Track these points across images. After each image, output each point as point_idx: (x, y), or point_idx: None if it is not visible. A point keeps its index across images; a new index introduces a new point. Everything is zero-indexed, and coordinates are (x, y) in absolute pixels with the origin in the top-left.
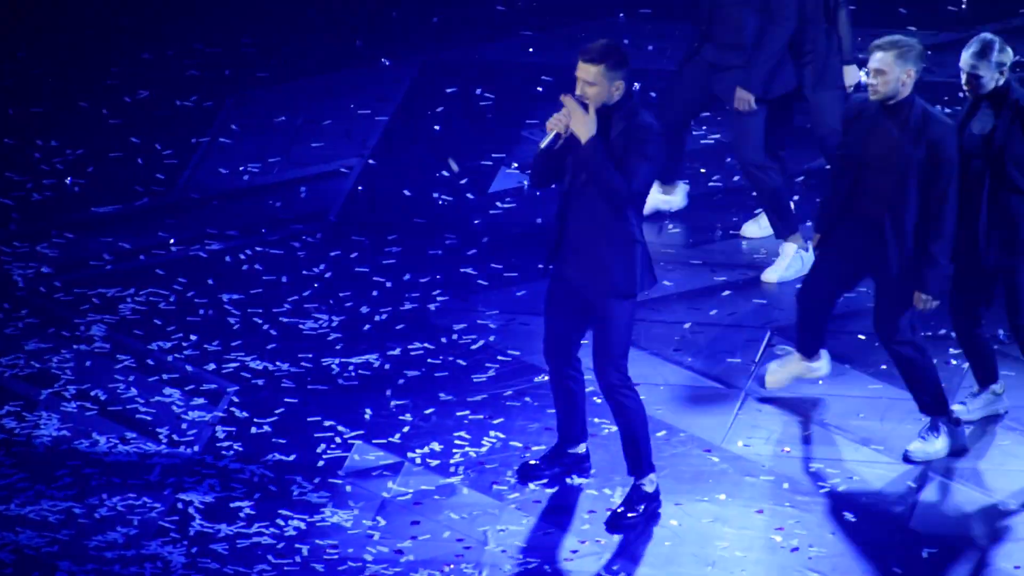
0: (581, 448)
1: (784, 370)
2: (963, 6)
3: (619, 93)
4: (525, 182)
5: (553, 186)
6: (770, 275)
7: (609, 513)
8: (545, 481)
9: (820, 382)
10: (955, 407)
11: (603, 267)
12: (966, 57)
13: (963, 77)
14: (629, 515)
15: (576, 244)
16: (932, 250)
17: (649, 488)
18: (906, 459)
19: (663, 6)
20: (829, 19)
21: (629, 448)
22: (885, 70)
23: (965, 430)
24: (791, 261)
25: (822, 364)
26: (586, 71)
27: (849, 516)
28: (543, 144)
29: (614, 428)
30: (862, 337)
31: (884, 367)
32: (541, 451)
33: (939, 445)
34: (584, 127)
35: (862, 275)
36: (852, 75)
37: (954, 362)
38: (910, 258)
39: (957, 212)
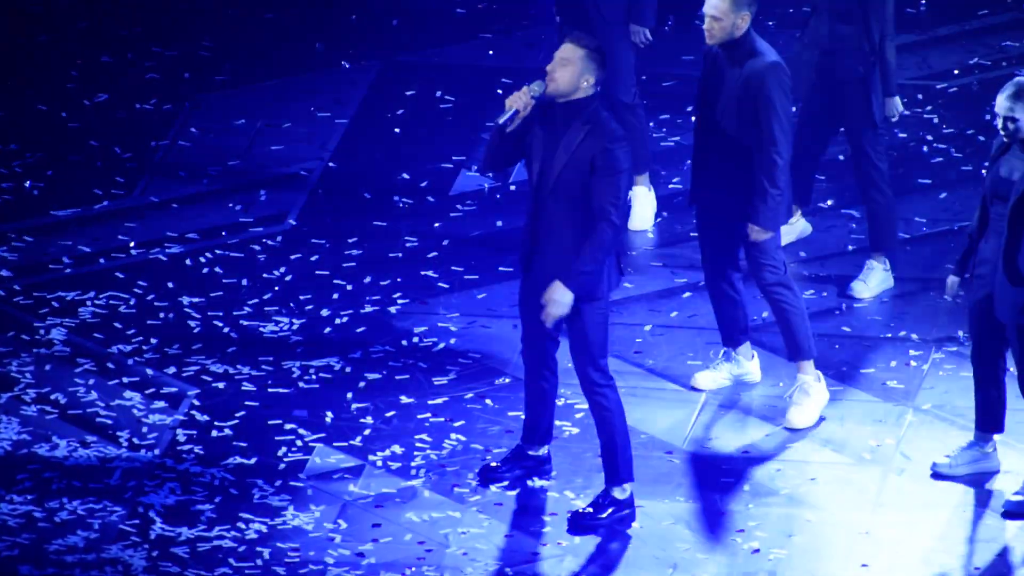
0: (543, 450)
1: (719, 370)
2: (922, 8)
3: (585, 89)
4: (486, 184)
5: (503, 170)
6: (862, 290)
7: (571, 513)
8: (506, 483)
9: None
10: (937, 459)
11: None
12: (1002, 101)
13: (999, 121)
14: (596, 517)
15: (545, 246)
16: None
17: (620, 495)
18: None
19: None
20: (874, 51)
21: (607, 453)
22: (720, 16)
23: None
24: (880, 275)
25: (751, 362)
26: (565, 49)
27: (810, 518)
28: (500, 120)
29: (575, 431)
30: (822, 339)
31: (844, 369)
32: (502, 454)
33: (812, 404)
34: (561, 307)
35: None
36: (894, 107)
37: (914, 363)
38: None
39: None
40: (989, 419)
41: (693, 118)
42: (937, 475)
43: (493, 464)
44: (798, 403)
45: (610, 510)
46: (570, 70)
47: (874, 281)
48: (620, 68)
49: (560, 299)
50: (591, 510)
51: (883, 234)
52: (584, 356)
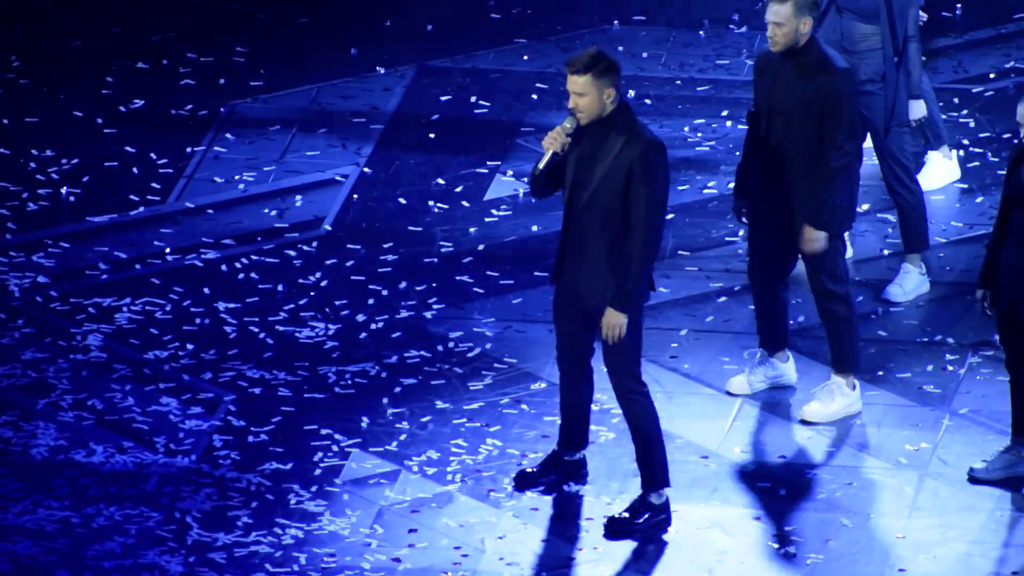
0: (579, 455)
1: (754, 373)
2: (957, 12)
3: (612, 102)
4: (520, 190)
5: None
6: (898, 294)
7: (607, 518)
8: (542, 488)
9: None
10: (975, 464)
11: (605, 280)
12: (1022, 109)
13: (1023, 131)
14: (633, 522)
15: (578, 258)
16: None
17: (656, 500)
18: (802, 421)
19: (657, 12)
20: (898, 52)
21: (642, 459)
22: (782, 22)
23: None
24: (916, 278)
25: (788, 365)
26: (574, 82)
27: (846, 522)
28: (541, 164)
29: (611, 435)
30: (859, 344)
31: (881, 373)
32: (538, 458)
33: (835, 406)
34: (618, 329)
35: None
36: (918, 110)
37: (950, 368)
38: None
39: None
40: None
41: (748, 122)
42: (973, 479)
43: (529, 469)
44: (820, 399)
45: (647, 515)
46: (589, 98)
47: (910, 284)
48: (901, 154)
49: (616, 323)
50: (628, 515)
51: (914, 233)
52: (618, 364)
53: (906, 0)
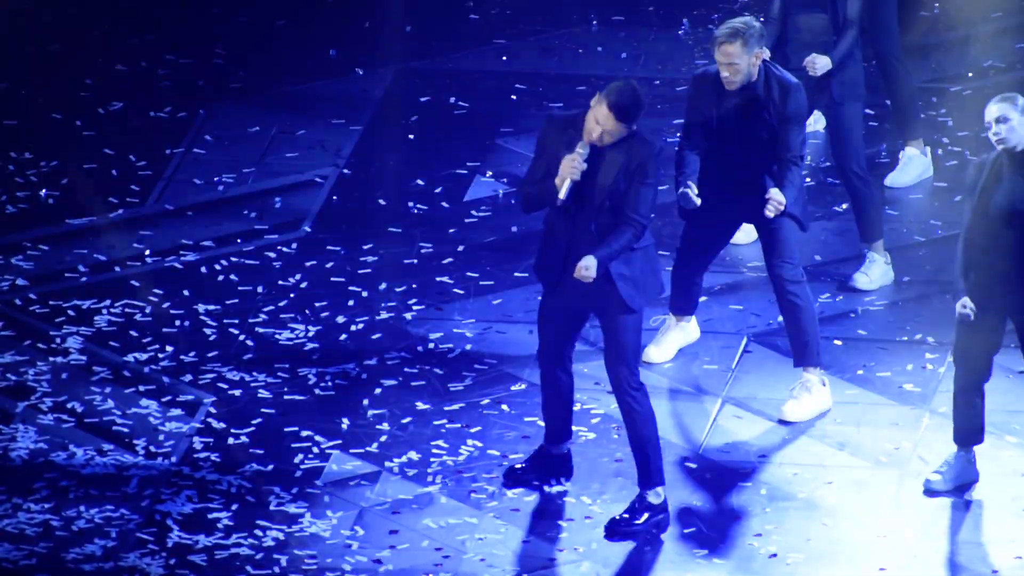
0: (564, 448)
1: (666, 341)
2: (935, 11)
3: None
4: (500, 191)
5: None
6: (864, 282)
7: (608, 521)
8: (531, 484)
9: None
10: (930, 476)
11: (609, 284)
12: (992, 106)
13: (992, 128)
14: (633, 523)
15: (579, 258)
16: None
17: (655, 500)
18: (781, 420)
19: (636, 13)
20: (861, 29)
21: (640, 456)
22: (736, 61)
23: (975, 459)
24: (882, 267)
25: (693, 326)
26: (611, 124)
27: (827, 522)
28: (562, 195)
29: (591, 436)
30: (838, 343)
31: (860, 372)
32: (519, 459)
33: (812, 404)
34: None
35: (736, 227)
36: (822, 64)
37: (930, 366)
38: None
39: None
40: (973, 435)
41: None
42: (932, 492)
43: (517, 466)
44: (797, 397)
45: (646, 515)
46: (610, 134)
47: (876, 272)
48: (852, 139)
49: (589, 264)
50: (627, 516)
51: (873, 222)
52: (619, 361)
53: None
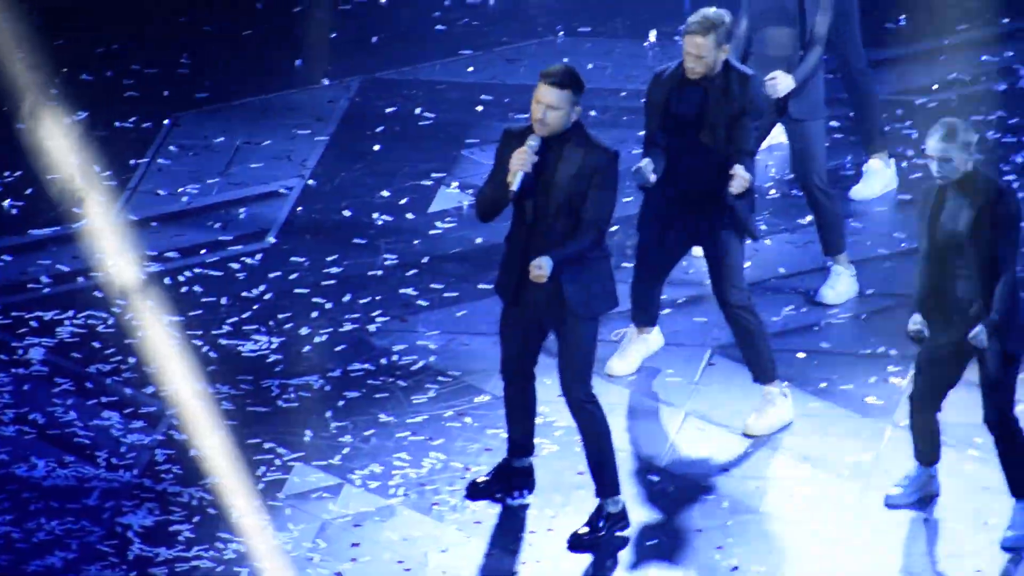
0: (527, 461)
1: (628, 354)
2: (901, 23)
3: (574, 118)
4: (465, 202)
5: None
6: (831, 296)
7: (570, 535)
8: (495, 497)
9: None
10: (891, 490)
11: (566, 293)
12: (934, 143)
13: (933, 165)
14: (595, 535)
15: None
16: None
17: (613, 509)
18: (745, 434)
19: (603, 24)
20: (804, 47)
21: (595, 467)
22: (704, 55)
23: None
24: (847, 280)
25: (655, 336)
26: (549, 94)
27: (789, 534)
28: (514, 187)
29: (554, 448)
30: (801, 355)
31: (823, 385)
32: (481, 471)
33: (774, 417)
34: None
35: (692, 243)
36: (785, 83)
37: (892, 379)
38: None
39: None
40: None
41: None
42: (892, 506)
43: (480, 479)
44: (759, 411)
45: (607, 525)
46: (560, 112)
47: (842, 286)
48: (812, 155)
49: (543, 264)
50: (587, 529)
51: (836, 235)
52: (572, 374)
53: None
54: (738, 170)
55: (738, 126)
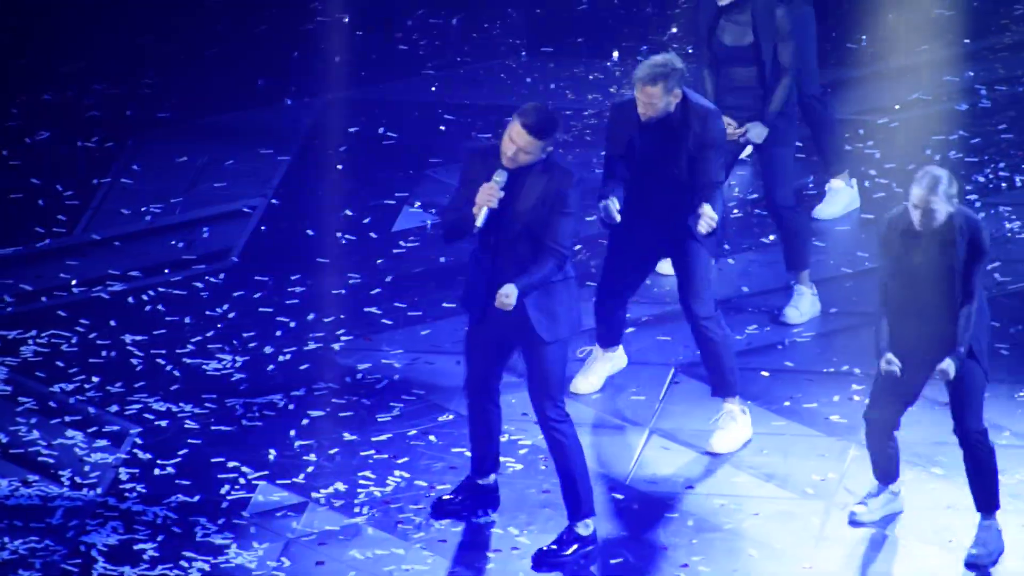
0: (491, 479)
1: (592, 372)
2: (863, 43)
3: (544, 156)
4: (428, 221)
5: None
6: (795, 316)
7: (535, 552)
8: (460, 515)
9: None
10: (855, 508)
11: (531, 320)
12: (919, 192)
13: (916, 214)
14: (561, 554)
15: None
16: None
17: (584, 531)
18: (709, 452)
19: (565, 44)
20: (765, 84)
21: (568, 487)
22: (655, 102)
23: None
24: (810, 299)
25: (619, 354)
26: (524, 139)
27: (753, 552)
28: (479, 222)
29: (519, 467)
30: (765, 374)
31: (787, 404)
32: (446, 489)
33: (737, 434)
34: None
35: (657, 259)
36: (757, 133)
37: (856, 397)
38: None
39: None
40: (891, 473)
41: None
42: (856, 523)
43: (445, 497)
44: (723, 428)
45: (575, 547)
46: (531, 156)
47: (805, 306)
48: (781, 177)
49: (510, 292)
50: (555, 547)
51: (800, 253)
52: (543, 394)
53: (776, 35)
54: (705, 210)
55: (702, 158)
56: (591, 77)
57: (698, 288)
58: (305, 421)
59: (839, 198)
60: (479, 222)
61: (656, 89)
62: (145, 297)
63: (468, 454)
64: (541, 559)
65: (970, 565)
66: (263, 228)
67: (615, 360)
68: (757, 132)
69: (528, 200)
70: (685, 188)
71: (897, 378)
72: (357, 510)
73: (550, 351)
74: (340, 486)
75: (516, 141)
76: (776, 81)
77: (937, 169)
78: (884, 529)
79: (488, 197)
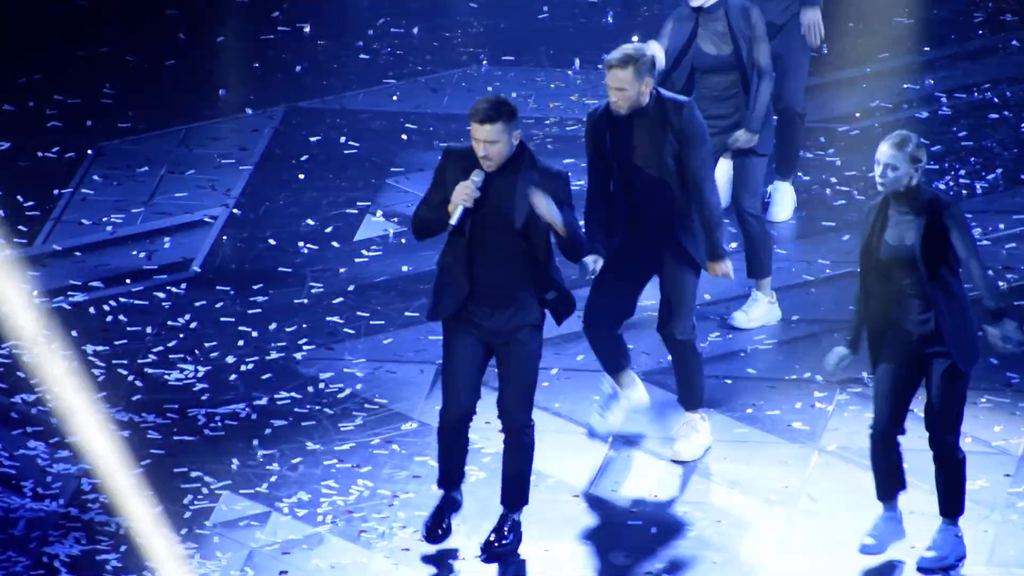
0: (460, 489)
1: (614, 411)
2: (823, 51)
3: (516, 143)
4: (391, 230)
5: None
6: (742, 320)
7: (481, 546)
8: (440, 529)
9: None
10: (865, 540)
11: (520, 305)
12: (885, 148)
13: (878, 169)
14: (502, 542)
15: (486, 288)
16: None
17: (519, 517)
18: (673, 460)
19: (527, 53)
20: (747, 88)
21: (516, 484)
22: (625, 87)
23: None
24: (765, 307)
25: (639, 389)
26: (484, 131)
27: (716, 560)
28: (453, 221)
29: (482, 475)
30: (728, 381)
31: (750, 411)
32: (410, 499)
33: (699, 442)
34: (550, 215)
35: (646, 281)
36: (747, 141)
37: (819, 404)
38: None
39: None
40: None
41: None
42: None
43: (431, 523)
44: (685, 436)
45: (513, 533)
46: (500, 144)
47: (756, 312)
48: (752, 184)
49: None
50: (494, 537)
51: (762, 260)
52: (517, 398)
53: (752, 37)
54: (725, 269)
55: (688, 158)
56: (552, 86)
57: (681, 311)
58: (268, 431)
59: (785, 197)
60: (453, 220)
61: (626, 73)
62: (107, 307)
63: (432, 463)
64: (488, 549)
65: (921, 568)
66: (224, 238)
67: (636, 392)
68: (747, 139)
69: (517, 200)
70: (672, 196)
71: (897, 380)
72: (320, 519)
73: (533, 344)
74: (303, 495)
75: (479, 136)
76: (757, 85)
77: (907, 132)
78: (846, 536)
79: (463, 197)
